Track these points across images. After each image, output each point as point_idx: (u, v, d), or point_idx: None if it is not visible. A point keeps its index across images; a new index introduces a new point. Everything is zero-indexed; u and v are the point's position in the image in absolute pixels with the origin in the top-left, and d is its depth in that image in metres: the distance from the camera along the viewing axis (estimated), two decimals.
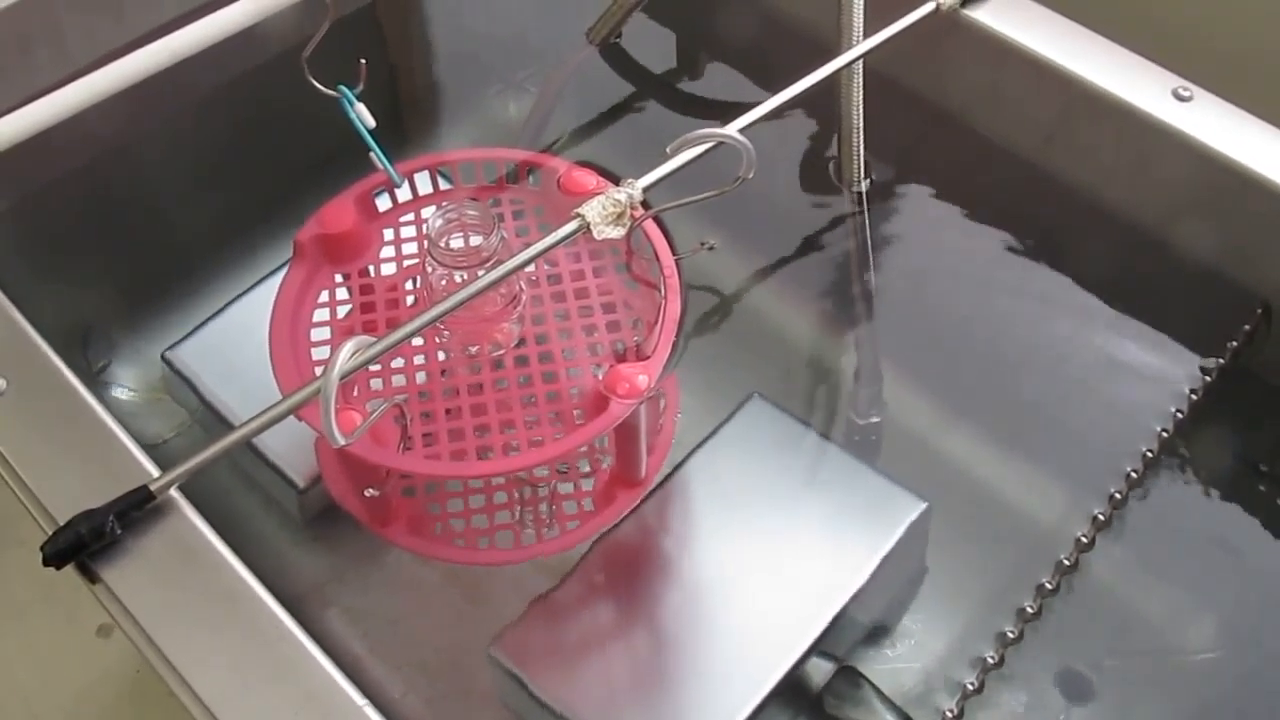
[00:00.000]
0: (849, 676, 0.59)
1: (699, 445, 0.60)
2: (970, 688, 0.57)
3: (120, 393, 0.66)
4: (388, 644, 0.61)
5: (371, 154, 0.54)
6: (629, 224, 0.48)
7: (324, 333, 0.53)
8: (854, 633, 0.59)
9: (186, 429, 0.65)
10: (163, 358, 0.62)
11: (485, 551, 0.54)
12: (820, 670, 0.58)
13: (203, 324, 0.63)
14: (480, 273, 0.49)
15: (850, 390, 0.66)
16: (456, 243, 0.50)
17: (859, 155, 0.68)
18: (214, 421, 0.61)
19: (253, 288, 0.65)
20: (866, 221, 0.69)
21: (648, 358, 0.50)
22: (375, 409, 0.46)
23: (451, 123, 0.84)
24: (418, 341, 0.53)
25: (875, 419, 0.64)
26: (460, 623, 0.62)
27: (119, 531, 0.46)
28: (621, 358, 0.52)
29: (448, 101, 0.83)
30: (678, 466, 0.59)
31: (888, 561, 0.56)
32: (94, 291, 0.69)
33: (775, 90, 0.57)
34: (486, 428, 0.50)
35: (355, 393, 0.51)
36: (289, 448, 0.60)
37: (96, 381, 0.66)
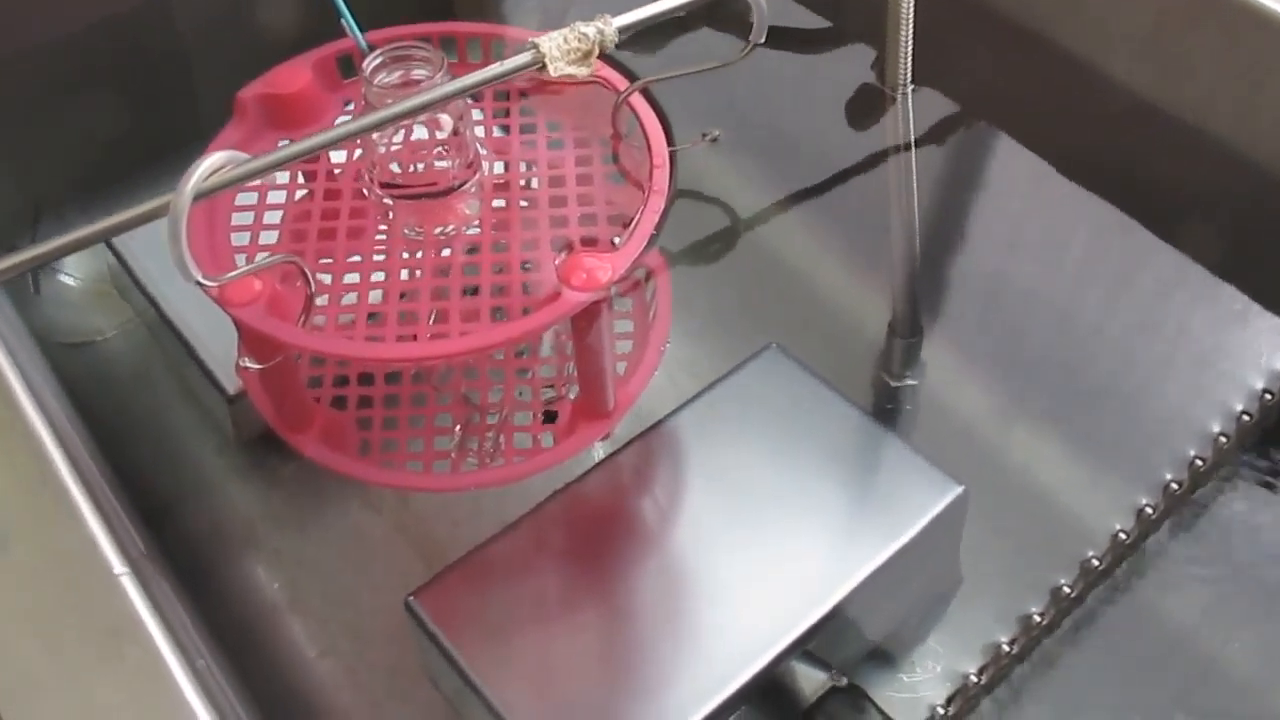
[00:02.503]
0: (851, 698, 0.48)
1: (698, 394, 0.50)
2: (941, 714, 0.46)
3: (66, 279, 0.60)
4: (316, 596, 0.53)
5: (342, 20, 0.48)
6: (593, 66, 0.39)
7: (250, 197, 0.46)
8: (859, 641, 0.48)
9: (131, 327, 0.58)
10: (107, 241, 0.55)
11: (415, 475, 0.47)
12: (811, 681, 0.47)
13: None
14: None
15: (883, 345, 0.55)
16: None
17: (906, 53, 0.57)
18: (157, 319, 0.54)
19: None
20: (912, 134, 0.58)
21: None
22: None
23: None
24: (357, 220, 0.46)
25: (912, 382, 0.53)
26: (405, 582, 0.53)
27: None
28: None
29: None
30: (669, 415, 0.49)
31: (908, 553, 0.45)
32: (48, 168, 0.63)
33: None
34: (415, 315, 0.42)
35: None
36: (226, 350, 0.52)
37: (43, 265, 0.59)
